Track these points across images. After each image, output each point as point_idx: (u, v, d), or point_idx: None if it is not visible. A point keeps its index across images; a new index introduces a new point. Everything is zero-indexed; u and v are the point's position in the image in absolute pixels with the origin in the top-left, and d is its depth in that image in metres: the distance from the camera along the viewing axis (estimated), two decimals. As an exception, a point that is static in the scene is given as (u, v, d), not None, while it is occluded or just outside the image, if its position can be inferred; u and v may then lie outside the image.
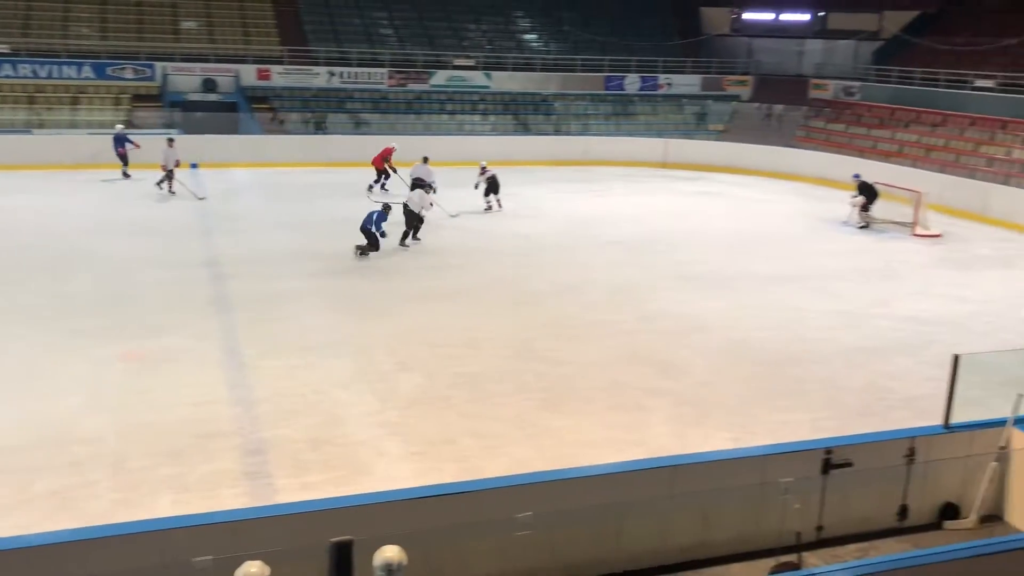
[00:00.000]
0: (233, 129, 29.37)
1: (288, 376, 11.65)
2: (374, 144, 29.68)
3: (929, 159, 27.19)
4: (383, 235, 17.74)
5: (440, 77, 32.79)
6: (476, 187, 23.13)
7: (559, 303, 15.34)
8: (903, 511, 8.72)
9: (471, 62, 33.54)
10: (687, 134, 33.46)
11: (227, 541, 6.44)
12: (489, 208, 22.97)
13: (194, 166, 26.88)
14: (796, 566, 7.45)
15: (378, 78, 32.09)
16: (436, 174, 22.46)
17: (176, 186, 23.40)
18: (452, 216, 21.75)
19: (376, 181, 25.18)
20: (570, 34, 36.09)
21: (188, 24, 31.98)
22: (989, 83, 28.04)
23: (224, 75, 30.39)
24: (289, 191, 24.60)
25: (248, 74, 30.68)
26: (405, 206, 19.06)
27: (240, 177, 26.51)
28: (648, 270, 17.70)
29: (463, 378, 11.81)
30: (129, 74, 29.83)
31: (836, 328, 14.48)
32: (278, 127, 29.62)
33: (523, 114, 33.26)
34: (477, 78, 33.30)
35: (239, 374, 11.71)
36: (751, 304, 15.66)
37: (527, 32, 36.66)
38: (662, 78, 35.14)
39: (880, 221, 22.29)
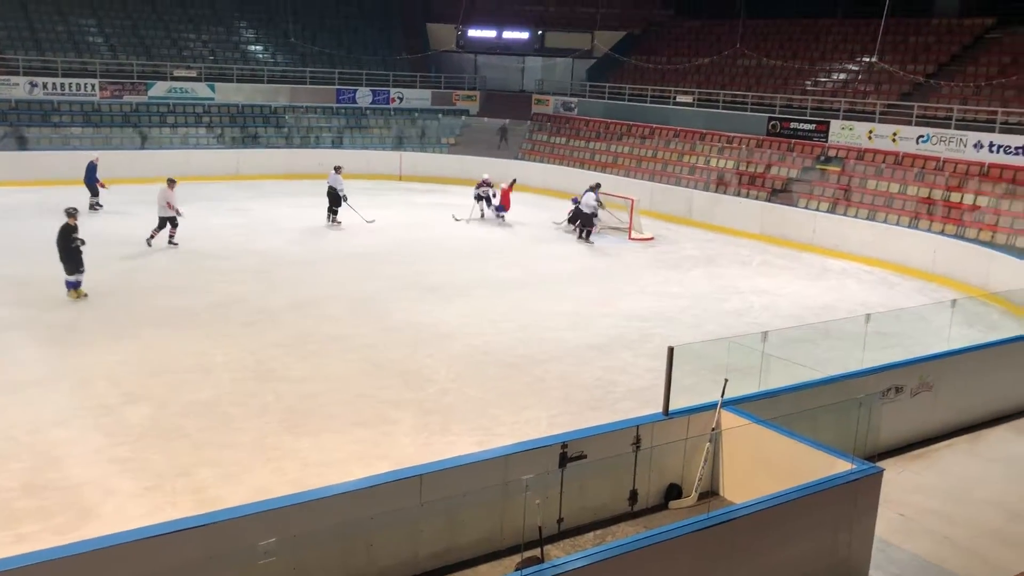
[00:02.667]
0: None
1: (-6, 418, 10.51)
2: (84, 159, 27.66)
3: (641, 168, 29.46)
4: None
5: (159, 88, 30.95)
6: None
7: (298, 319, 15.00)
8: (633, 496, 9.38)
9: (193, 73, 31.96)
10: (421, 147, 33.98)
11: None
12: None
13: None
14: (540, 560, 7.78)
15: (89, 89, 29.74)
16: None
17: None
18: (369, 222, 23.25)
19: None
20: (297, 46, 35.43)
21: None
22: (688, 98, 30.87)
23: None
24: (-13, 213, 22.21)
25: (-69, 84, 27.35)
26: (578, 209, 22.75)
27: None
28: (389, 281, 17.77)
29: (197, 405, 11.23)
30: None
31: (567, 328, 15.31)
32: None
33: (252, 126, 32.21)
34: (200, 89, 31.78)
35: (-67, 421, 10.40)
36: (488, 310, 16.18)
37: (252, 43, 35.53)
38: (393, 92, 35.42)
39: (601, 227, 23.90)
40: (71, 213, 15.77)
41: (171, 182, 20.02)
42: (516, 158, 32.35)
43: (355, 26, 37.99)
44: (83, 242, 15.55)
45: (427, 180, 31.36)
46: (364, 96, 34.87)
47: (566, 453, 8.66)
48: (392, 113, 35.27)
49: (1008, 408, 12.69)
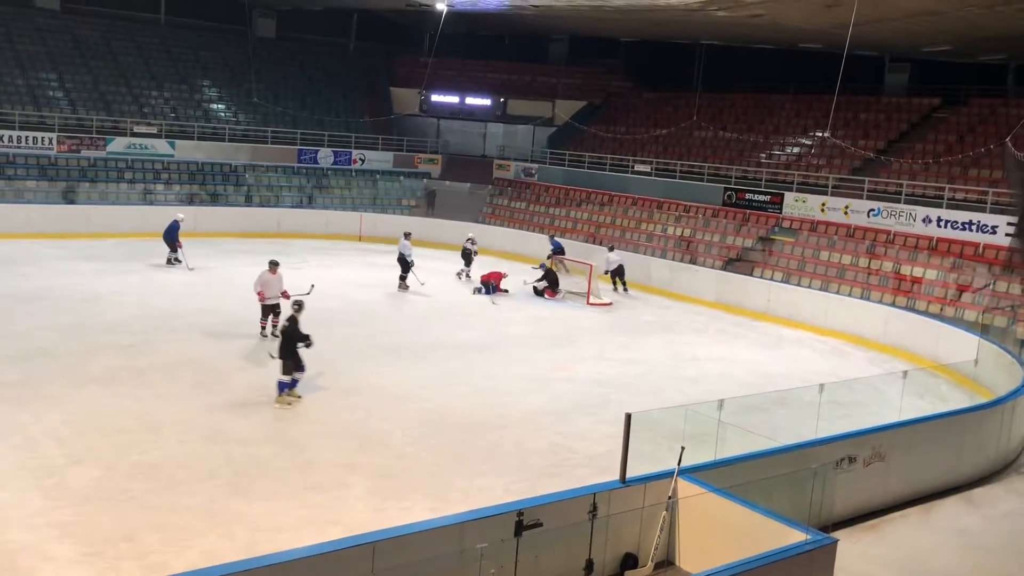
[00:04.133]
0: None
1: (-70, 478, 10.12)
2: (38, 212, 27.46)
3: (600, 235, 29.79)
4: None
5: (119, 144, 30.76)
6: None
7: (250, 380, 14.76)
8: (589, 565, 9.25)
9: (153, 129, 31.87)
10: (381, 208, 34.07)
11: None
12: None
13: None
14: (494, 630, 7.62)
15: (46, 143, 29.47)
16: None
17: None
18: (422, 284, 23.71)
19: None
20: (259, 106, 35.57)
21: None
22: (646, 168, 31.45)
23: None
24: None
25: None
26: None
27: None
28: (346, 342, 17.59)
29: (144, 467, 10.94)
30: None
31: (524, 393, 15.25)
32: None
33: (211, 184, 32.09)
34: (160, 146, 31.66)
35: None
36: (445, 372, 16.08)
37: (214, 102, 35.60)
38: (355, 153, 35.62)
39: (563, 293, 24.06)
40: (298, 308, 13.90)
41: (274, 265, 17.47)
42: (478, 221, 32.55)
43: (319, 88, 38.29)
44: (310, 343, 13.72)
45: (387, 241, 31.35)
46: (326, 156, 35.02)
47: (522, 521, 8.55)
48: (353, 174, 35.40)
49: (959, 479, 12.84)
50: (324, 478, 11.09)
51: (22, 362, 14.70)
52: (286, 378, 13.66)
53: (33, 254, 24.14)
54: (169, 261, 24.15)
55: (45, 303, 18.89)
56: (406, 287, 23.65)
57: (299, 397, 13.87)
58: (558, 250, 26.22)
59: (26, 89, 31.16)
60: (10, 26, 32.92)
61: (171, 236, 24.18)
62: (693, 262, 26.46)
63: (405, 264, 23.76)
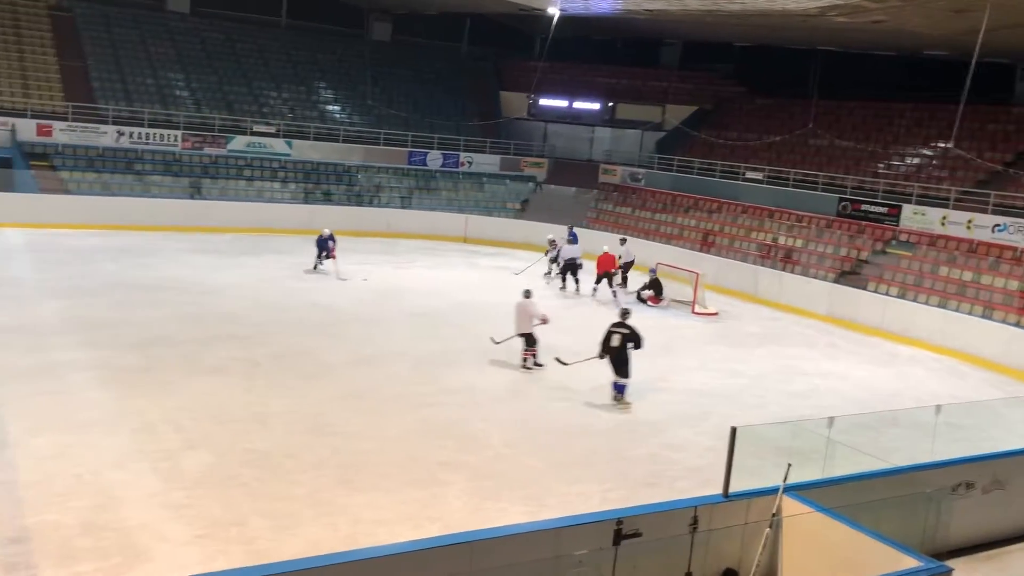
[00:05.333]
0: (7, 186, 27.21)
1: (60, 455, 10.71)
2: (162, 206, 28.72)
3: (706, 242, 29.31)
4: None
5: (239, 143, 32.00)
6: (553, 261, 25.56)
7: (357, 376, 15.11)
8: (687, 579, 9.10)
9: (272, 129, 33.01)
10: (487, 211, 34.37)
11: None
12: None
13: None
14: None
15: (171, 140, 30.88)
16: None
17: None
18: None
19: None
20: (373, 108, 36.40)
21: (-42, 72, 29.57)
22: (758, 175, 30.76)
23: (-2, 128, 28.25)
24: (68, 255, 23.00)
25: (26, 129, 28.62)
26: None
27: (12, 238, 24.52)
28: (448, 342, 17.83)
29: (254, 455, 11.32)
30: None
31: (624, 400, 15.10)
32: (59, 185, 27.72)
33: (325, 183, 33.01)
34: (278, 145, 32.78)
35: (2, 453, 10.63)
36: (545, 376, 16.08)
37: (330, 103, 36.63)
38: (463, 156, 36.05)
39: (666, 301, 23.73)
40: (626, 314, 15.15)
41: (528, 293, 17.04)
42: (581, 225, 32.46)
43: (430, 91, 38.92)
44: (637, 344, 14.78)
45: (492, 244, 31.62)
46: (435, 159, 35.55)
47: (621, 530, 8.46)
48: (461, 177, 35.84)
49: (1087, 512, 12.08)
50: (423, 475, 11.25)
51: (143, 349, 15.43)
52: (623, 381, 14.77)
53: (156, 246, 25.30)
54: (315, 267, 24.04)
55: (166, 293, 19.78)
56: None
57: (629, 404, 14.82)
58: (573, 242, 25.90)
59: (155, 88, 32.73)
60: (142, 28, 34.67)
61: (323, 245, 23.96)
62: (804, 273, 25.74)
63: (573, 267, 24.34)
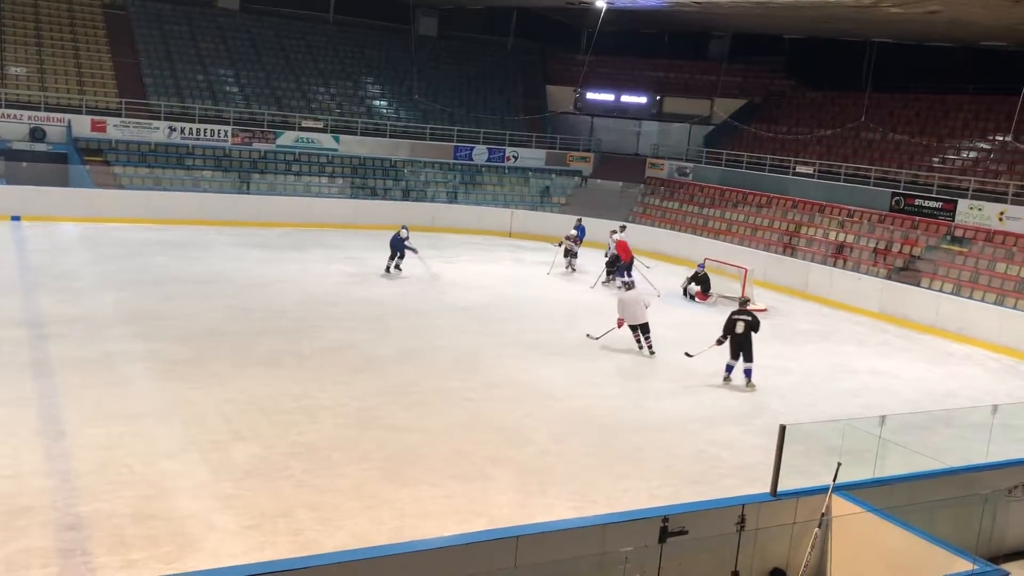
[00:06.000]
0: (62, 181, 27.85)
1: (113, 445, 10.92)
2: (212, 201, 29.16)
3: (755, 237, 28.94)
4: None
5: (287, 138, 32.37)
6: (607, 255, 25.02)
7: (403, 369, 15.18)
8: (734, 577, 9.01)
9: (320, 124, 33.32)
10: (532, 205, 34.33)
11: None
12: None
13: (16, 218, 25.30)
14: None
15: (221, 135, 31.33)
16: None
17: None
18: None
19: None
20: (419, 103, 36.55)
21: (16, 70, 30.28)
22: (808, 169, 30.29)
23: (54, 124, 28.85)
24: (122, 248, 23.47)
25: (81, 124, 29.25)
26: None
27: (68, 232, 25.09)
28: (493, 337, 17.84)
29: (301, 447, 11.43)
30: (-53, 118, 27.91)
31: (671, 396, 15.00)
32: (112, 180, 28.29)
33: (372, 178, 33.23)
34: (325, 140, 33.08)
35: (58, 443, 10.88)
36: (592, 371, 16.02)
37: (377, 98, 36.86)
38: (509, 151, 36.04)
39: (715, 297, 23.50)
40: (746, 302, 16.83)
41: (631, 285, 18.58)
42: (628, 220, 32.27)
43: (476, 86, 38.96)
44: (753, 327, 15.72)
45: (537, 238, 31.56)
46: (480, 153, 35.59)
47: (667, 527, 8.40)
48: (506, 171, 35.83)
49: None
50: (469, 469, 11.26)
51: (193, 341, 15.67)
52: (749, 365, 15.66)
53: (206, 239, 25.71)
54: (389, 268, 23.29)
55: (215, 286, 20.07)
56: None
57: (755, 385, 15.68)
58: (581, 234, 25.90)
59: (206, 84, 33.23)
60: (193, 25, 35.20)
61: (397, 243, 23.29)
62: (856, 269, 25.29)
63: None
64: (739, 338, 15.67)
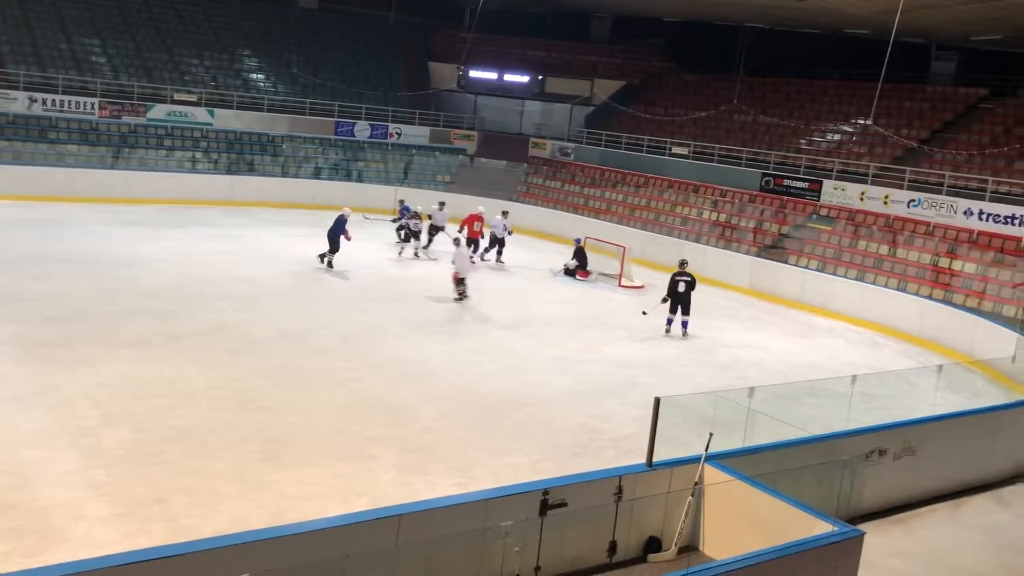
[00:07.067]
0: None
1: (-31, 434, 10.35)
2: (79, 177, 27.78)
3: (633, 217, 29.62)
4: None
5: (159, 111, 31.04)
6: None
7: (283, 350, 14.91)
8: (613, 547, 9.28)
9: (193, 97, 32.09)
10: (416, 183, 34.10)
11: None
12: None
13: None
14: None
15: (88, 108, 29.79)
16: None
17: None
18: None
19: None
20: (299, 77, 35.67)
21: None
22: (684, 150, 31.15)
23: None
24: (-23, 226, 22.11)
25: (-71, 93, 27.36)
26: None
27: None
28: (377, 316, 17.71)
29: (176, 431, 11.10)
30: None
31: (552, 372, 15.25)
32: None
33: (249, 154, 32.29)
34: (199, 114, 31.89)
35: (-94, 433, 10.24)
36: (475, 350, 16.12)
37: (254, 72, 35.75)
38: (392, 127, 35.65)
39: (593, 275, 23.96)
40: (684, 263, 18.66)
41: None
42: (511, 199, 32.47)
43: (358, 60, 38.30)
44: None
45: (421, 217, 31.35)
46: (363, 129, 35.07)
47: (547, 500, 8.58)
48: (389, 148, 35.44)
49: (990, 477, 12.67)
50: (351, 450, 11.19)
51: (59, 323, 14.96)
52: (687, 318, 18.22)
53: (73, 217, 24.51)
54: (324, 261, 21.50)
55: (83, 266, 19.18)
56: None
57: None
58: (412, 215, 25.09)
59: (70, 54, 31.50)
60: (55, -10, 33.27)
61: (335, 232, 21.48)
62: (727, 247, 26.23)
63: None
64: (680, 296, 18.17)
